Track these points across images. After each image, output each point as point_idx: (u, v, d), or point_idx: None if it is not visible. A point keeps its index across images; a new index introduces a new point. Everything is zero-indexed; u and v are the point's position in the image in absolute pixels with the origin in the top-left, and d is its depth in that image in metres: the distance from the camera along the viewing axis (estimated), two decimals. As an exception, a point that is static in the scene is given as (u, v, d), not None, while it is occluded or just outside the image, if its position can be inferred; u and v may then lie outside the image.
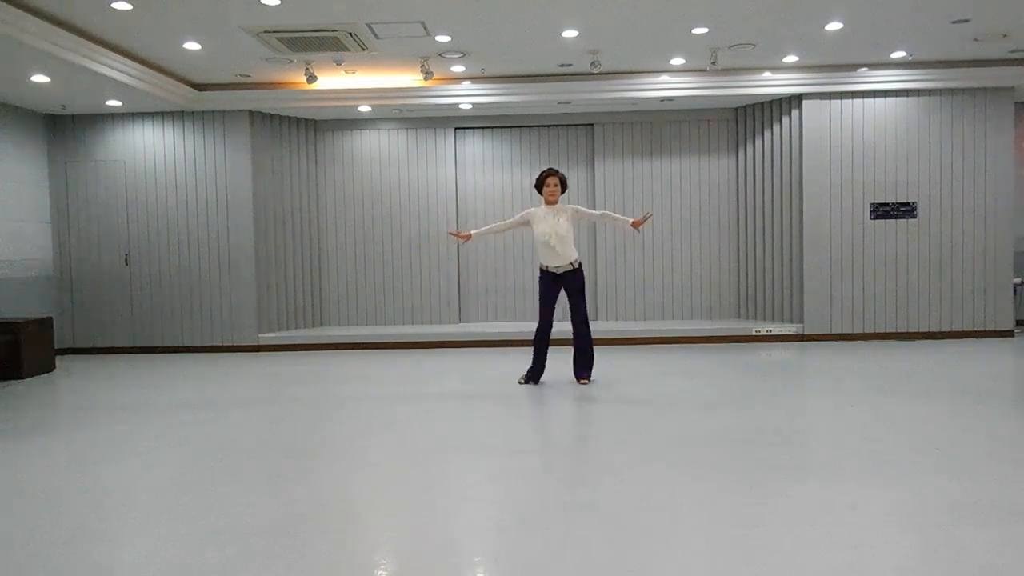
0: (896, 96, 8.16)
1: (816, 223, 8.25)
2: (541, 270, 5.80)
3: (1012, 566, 2.51)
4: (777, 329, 8.34)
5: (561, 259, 5.66)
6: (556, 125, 9.14)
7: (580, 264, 5.77)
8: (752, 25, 6.39)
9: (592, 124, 9.08)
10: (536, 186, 5.79)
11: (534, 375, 5.95)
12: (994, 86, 8.00)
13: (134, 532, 3.04)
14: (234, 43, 6.54)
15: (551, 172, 5.74)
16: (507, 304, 9.30)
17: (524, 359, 6.23)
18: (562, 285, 5.76)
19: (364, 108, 8.48)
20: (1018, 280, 8.62)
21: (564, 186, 5.76)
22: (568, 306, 5.83)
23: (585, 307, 5.82)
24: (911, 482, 3.39)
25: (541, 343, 5.88)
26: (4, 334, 6.90)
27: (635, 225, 5.71)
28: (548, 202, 5.71)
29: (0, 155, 7.70)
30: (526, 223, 5.81)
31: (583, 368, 5.91)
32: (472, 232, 5.96)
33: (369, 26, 6.16)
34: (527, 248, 9.20)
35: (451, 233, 6.26)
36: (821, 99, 8.17)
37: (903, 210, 8.23)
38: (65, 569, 2.68)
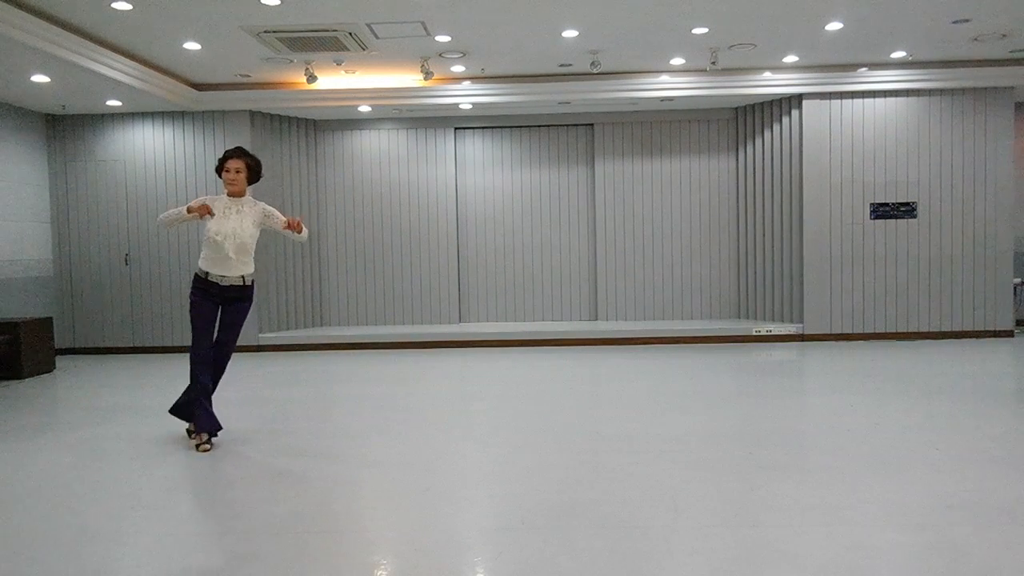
0: (896, 96, 8.16)
1: (816, 223, 8.25)
2: (199, 279, 4.30)
3: (1012, 566, 2.52)
4: (777, 329, 8.35)
5: (234, 270, 4.28)
6: (556, 125, 9.14)
7: (253, 281, 4.44)
8: (752, 25, 6.39)
9: (592, 124, 9.08)
10: (216, 170, 4.38)
11: (201, 419, 4.31)
12: (994, 86, 8.00)
13: (134, 532, 3.04)
14: (234, 43, 6.55)
15: (234, 153, 4.33)
16: (507, 304, 9.30)
17: (524, 359, 6.20)
18: (222, 304, 4.35)
19: (364, 108, 8.48)
20: (1018, 280, 8.62)
21: (254, 173, 4.39)
22: (221, 326, 4.40)
23: (237, 337, 4.48)
24: (911, 482, 3.39)
25: (200, 368, 4.36)
26: (4, 334, 6.91)
27: (291, 227, 4.35)
28: (230, 193, 4.30)
29: (0, 155, 7.71)
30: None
31: (193, 415, 4.39)
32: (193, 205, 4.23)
33: (369, 26, 6.17)
34: (527, 248, 9.21)
35: (191, 209, 4.21)
36: (821, 99, 8.17)
37: (903, 210, 8.23)
38: (65, 569, 2.68)
